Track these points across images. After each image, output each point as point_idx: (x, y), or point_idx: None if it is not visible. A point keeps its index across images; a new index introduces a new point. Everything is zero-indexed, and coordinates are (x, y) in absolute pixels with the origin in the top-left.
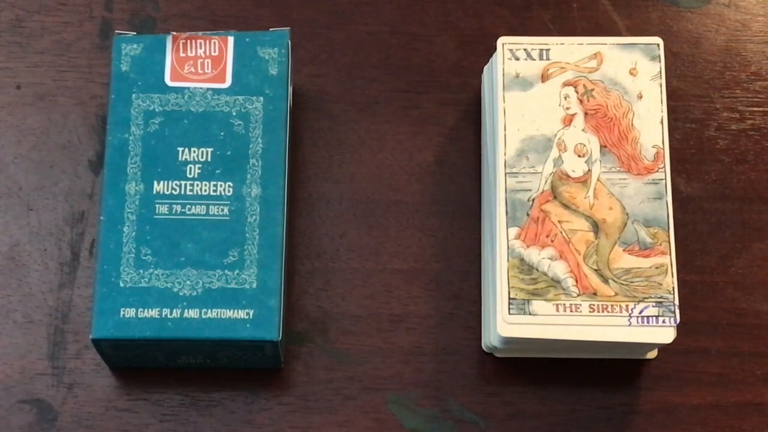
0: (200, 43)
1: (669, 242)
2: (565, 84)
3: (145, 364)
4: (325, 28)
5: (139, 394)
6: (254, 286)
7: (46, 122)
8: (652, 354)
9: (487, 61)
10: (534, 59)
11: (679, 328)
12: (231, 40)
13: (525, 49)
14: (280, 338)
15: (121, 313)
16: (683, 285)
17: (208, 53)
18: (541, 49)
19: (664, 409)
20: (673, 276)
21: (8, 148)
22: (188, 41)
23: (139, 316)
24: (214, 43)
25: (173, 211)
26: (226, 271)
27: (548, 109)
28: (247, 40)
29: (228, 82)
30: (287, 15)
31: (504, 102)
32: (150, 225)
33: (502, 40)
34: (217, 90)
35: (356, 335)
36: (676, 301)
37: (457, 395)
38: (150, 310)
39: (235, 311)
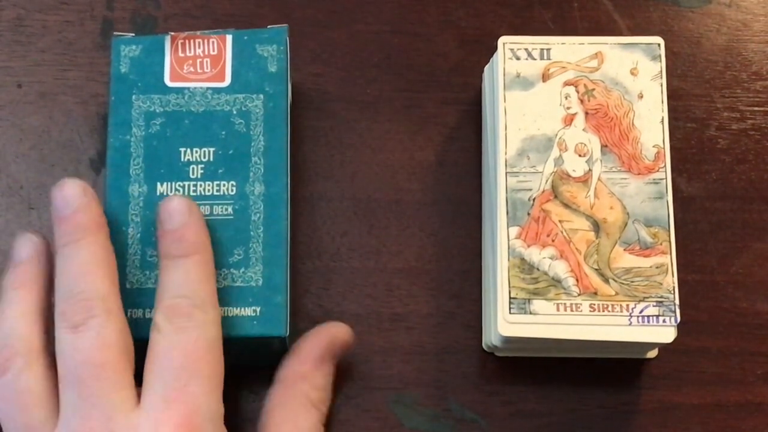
0: (199, 43)
1: (669, 242)
2: (566, 83)
3: None
4: (326, 27)
5: None
6: (260, 283)
7: (47, 121)
8: (653, 353)
9: (488, 61)
10: (535, 59)
11: (680, 327)
12: (229, 38)
13: (526, 49)
14: (287, 334)
15: (129, 314)
16: (684, 285)
17: (206, 52)
18: (542, 49)
19: (664, 408)
20: (673, 275)
21: (9, 147)
22: (187, 41)
23: (147, 316)
24: (213, 42)
25: None
26: (231, 269)
27: (549, 108)
28: (246, 38)
29: (227, 81)
30: (288, 13)
31: (505, 101)
32: (154, 226)
33: (502, 40)
34: (217, 89)
35: (357, 334)
36: (677, 301)
37: (458, 394)
38: None
39: (242, 309)
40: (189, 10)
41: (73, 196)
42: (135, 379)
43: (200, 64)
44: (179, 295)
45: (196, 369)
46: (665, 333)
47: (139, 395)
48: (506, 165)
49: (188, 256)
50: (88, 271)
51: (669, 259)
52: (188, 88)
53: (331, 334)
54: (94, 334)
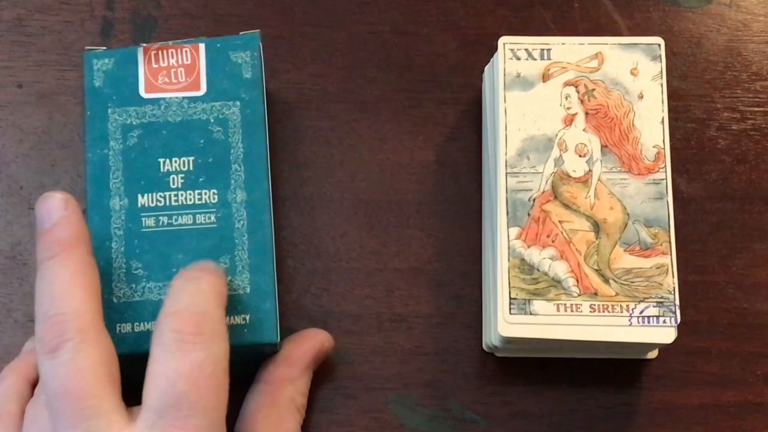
0: (172, 53)
1: (670, 242)
2: (566, 84)
3: (143, 377)
4: (326, 27)
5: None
6: (248, 291)
7: (47, 121)
8: (653, 354)
9: (488, 61)
10: (535, 59)
11: (680, 328)
12: (202, 47)
13: (526, 49)
14: (279, 340)
15: (117, 329)
16: (684, 285)
17: (180, 62)
18: (542, 49)
19: (665, 409)
20: (673, 276)
21: (9, 147)
22: (159, 51)
23: (136, 330)
24: (186, 51)
25: (160, 223)
26: None
27: (549, 108)
28: (218, 45)
29: (203, 90)
30: (288, 14)
31: (505, 102)
32: (138, 239)
33: (503, 40)
34: (193, 98)
35: (357, 335)
36: (677, 301)
37: (458, 395)
38: (146, 323)
39: (232, 317)
40: (189, 10)
41: (52, 210)
42: (132, 393)
43: (175, 74)
44: (188, 307)
45: (199, 399)
46: (665, 333)
47: (130, 413)
48: (506, 165)
49: (204, 275)
50: (63, 289)
51: (669, 260)
52: (164, 99)
53: (320, 341)
54: (67, 359)
